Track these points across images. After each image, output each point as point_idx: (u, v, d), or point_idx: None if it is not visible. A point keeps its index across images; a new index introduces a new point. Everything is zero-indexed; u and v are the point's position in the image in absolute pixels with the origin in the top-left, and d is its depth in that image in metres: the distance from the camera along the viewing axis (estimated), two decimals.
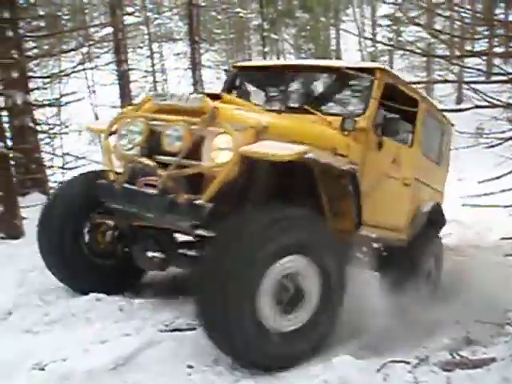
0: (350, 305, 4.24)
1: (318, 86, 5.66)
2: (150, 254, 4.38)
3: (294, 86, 5.76)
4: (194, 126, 4.01)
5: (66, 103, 10.48)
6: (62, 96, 11.22)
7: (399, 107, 4.99)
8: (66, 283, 4.83)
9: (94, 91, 22.20)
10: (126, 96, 17.21)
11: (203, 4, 20.79)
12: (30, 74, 10.60)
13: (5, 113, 8.07)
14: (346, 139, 4.75)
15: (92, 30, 17.63)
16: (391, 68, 22.33)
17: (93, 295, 4.58)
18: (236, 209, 4.01)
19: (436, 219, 6.43)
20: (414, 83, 6.67)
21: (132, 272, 4.91)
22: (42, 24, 12.35)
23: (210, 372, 3.63)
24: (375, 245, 5.76)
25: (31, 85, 9.85)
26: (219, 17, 26.37)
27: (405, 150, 5.62)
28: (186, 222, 4.03)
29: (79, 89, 14.00)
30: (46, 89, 11.51)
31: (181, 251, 4.44)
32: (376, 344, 4.29)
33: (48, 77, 11.18)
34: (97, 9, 22.46)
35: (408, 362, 3.79)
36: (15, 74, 7.85)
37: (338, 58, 25.71)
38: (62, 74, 11.96)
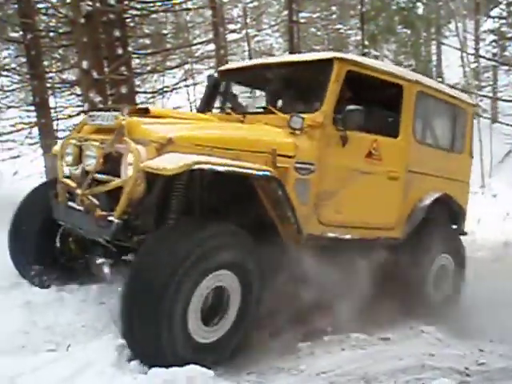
0: None
1: (283, 83, 5.42)
2: (98, 260, 4.46)
3: (265, 84, 5.66)
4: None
5: None
6: None
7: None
8: (37, 285, 4.97)
9: (195, 106, 22.81)
10: None
11: (303, 21, 20.95)
12: (137, 89, 11.06)
13: None
14: (294, 139, 4.58)
15: (194, 47, 18.15)
16: (495, 84, 21.59)
17: None
18: (151, 222, 4.10)
19: (445, 211, 5.90)
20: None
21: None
22: (148, 42, 12.88)
23: None
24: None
25: (137, 99, 10.26)
26: (319, 33, 26.49)
27: (387, 142, 5.21)
28: (101, 238, 4.12)
29: (181, 104, 14.45)
30: (150, 103, 11.94)
31: (124, 258, 4.37)
32: None
33: (153, 92, 11.64)
34: (199, 27, 23.08)
35: None
36: (124, 90, 8.20)
37: (439, 75, 25.11)
38: (166, 89, 12.39)
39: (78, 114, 11.36)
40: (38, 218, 4.96)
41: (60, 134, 11.44)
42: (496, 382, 3.90)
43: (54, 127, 11.36)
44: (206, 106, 5.88)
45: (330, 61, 4.86)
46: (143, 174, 3.82)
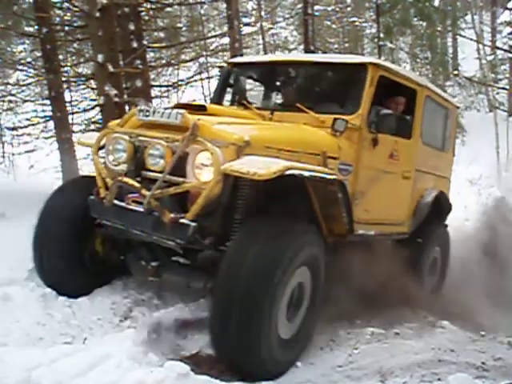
0: None
1: (313, 82, 5.53)
2: (143, 262, 4.40)
3: (289, 81, 5.68)
4: (176, 143, 3.98)
5: None
6: None
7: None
8: (58, 288, 4.69)
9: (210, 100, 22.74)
10: None
11: (318, 13, 20.84)
12: (152, 83, 11.07)
13: None
14: (337, 140, 4.70)
15: (209, 40, 18.12)
16: (511, 77, 21.36)
17: None
18: (218, 224, 4.02)
19: (440, 208, 6.26)
20: None
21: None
22: (162, 35, 12.89)
23: None
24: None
25: (152, 93, 10.27)
26: (334, 26, 26.36)
27: (403, 143, 5.44)
28: (171, 241, 4.02)
29: (196, 97, 14.45)
30: (165, 97, 11.93)
31: (174, 259, 4.36)
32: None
33: (169, 85, 11.62)
34: (214, 20, 23.05)
35: None
36: (139, 83, 8.21)
37: (455, 67, 24.91)
38: (181, 83, 12.38)
39: (93, 108, 11.40)
40: (67, 222, 4.64)
41: (75, 128, 11.49)
42: None
43: (70, 121, 11.40)
44: (219, 99, 5.81)
45: (364, 65, 5.02)
46: (222, 176, 3.80)
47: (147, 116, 4.19)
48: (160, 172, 4.03)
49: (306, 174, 3.91)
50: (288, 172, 3.72)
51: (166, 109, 4.19)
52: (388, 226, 5.54)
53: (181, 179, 4.01)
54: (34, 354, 3.47)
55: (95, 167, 4.44)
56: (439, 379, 3.67)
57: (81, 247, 4.74)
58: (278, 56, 6.64)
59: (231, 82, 5.84)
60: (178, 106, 4.66)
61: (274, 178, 3.65)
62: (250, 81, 6.02)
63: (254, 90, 6.01)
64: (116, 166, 4.32)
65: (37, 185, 11.45)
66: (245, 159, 3.84)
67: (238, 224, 4.09)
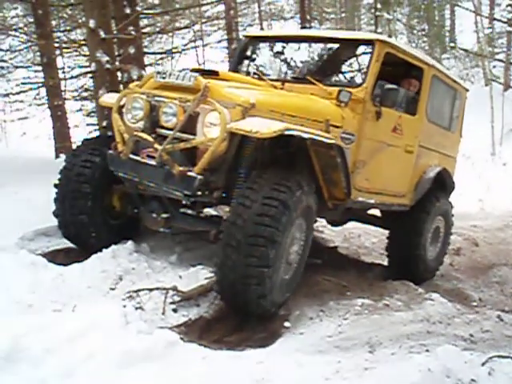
0: None
1: (323, 56, 5.93)
2: (154, 214, 4.78)
3: (302, 55, 6.02)
4: (188, 103, 4.34)
5: None
6: None
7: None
8: (78, 243, 5.19)
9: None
10: None
11: None
12: (145, 50, 10.94)
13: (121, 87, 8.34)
14: (341, 110, 4.96)
15: (204, 7, 17.88)
16: (509, 50, 21.28)
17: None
18: (223, 179, 4.46)
19: (443, 183, 6.47)
20: None
21: (137, 229, 5.38)
22: (156, 1, 12.70)
23: None
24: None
25: (145, 60, 10.14)
26: None
27: (407, 119, 5.66)
28: (179, 192, 4.38)
29: (190, 66, 14.30)
30: (159, 65, 11.82)
31: (182, 211, 4.81)
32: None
33: (162, 53, 11.49)
34: None
35: None
36: (132, 50, 8.10)
37: (453, 39, 24.74)
38: (175, 50, 12.25)
39: (82, 74, 11.28)
40: (87, 179, 5.00)
41: (68, 95, 11.37)
42: (500, 349, 3.89)
43: (62, 88, 11.27)
44: (235, 69, 6.07)
45: (372, 42, 5.30)
46: (228, 134, 4.14)
47: (164, 78, 4.58)
48: (172, 129, 4.39)
49: (305, 135, 4.21)
50: (287, 132, 4.04)
51: (180, 72, 4.57)
52: (389, 197, 5.77)
53: (191, 136, 4.36)
54: (22, 321, 3.47)
55: (114, 124, 4.79)
56: (427, 350, 3.68)
57: (100, 202, 5.11)
58: (292, 31, 7.14)
59: (248, 53, 6.14)
60: (193, 70, 4.96)
61: (277, 139, 4.09)
62: (266, 53, 6.25)
63: (269, 62, 6.24)
64: (134, 123, 4.65)
65: (28, 152, 11.38)
66: (249, 119, 4.18)
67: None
